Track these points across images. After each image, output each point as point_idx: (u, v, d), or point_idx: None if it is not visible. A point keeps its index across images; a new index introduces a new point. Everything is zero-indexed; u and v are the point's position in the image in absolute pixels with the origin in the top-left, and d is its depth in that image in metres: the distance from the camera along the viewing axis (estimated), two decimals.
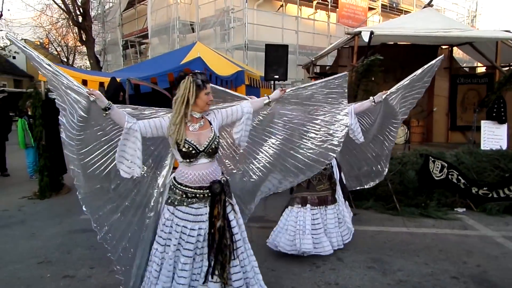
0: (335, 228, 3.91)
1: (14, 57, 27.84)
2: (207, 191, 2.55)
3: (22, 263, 3.83)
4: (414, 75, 3.74)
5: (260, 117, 3.13)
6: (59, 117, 2.48)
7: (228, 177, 2.79)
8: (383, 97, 3.87)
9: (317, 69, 10.80)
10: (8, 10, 46.01)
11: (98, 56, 19.47)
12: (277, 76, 8.13)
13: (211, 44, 13.48)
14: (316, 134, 3.21)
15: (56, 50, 27.95)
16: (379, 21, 18.69)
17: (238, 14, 14.52)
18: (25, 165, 7.99)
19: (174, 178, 2.62)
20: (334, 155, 3.35)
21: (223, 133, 3.09)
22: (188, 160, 2.51)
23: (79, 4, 16.98)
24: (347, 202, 4.30)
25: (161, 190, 2.86)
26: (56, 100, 2.50)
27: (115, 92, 5.06)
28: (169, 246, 2.56)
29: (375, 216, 5.36)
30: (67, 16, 18.01)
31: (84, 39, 18.06)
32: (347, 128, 3.27)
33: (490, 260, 3.87)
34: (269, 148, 3.19)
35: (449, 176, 5.61)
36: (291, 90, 3.10)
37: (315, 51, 14.89)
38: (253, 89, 8.78)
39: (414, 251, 4.10)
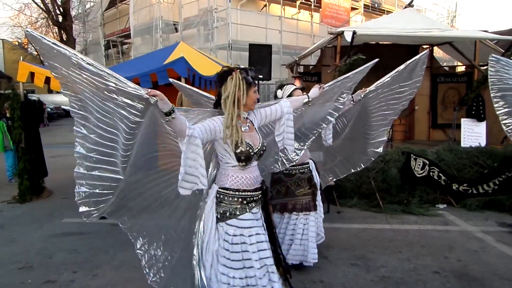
0: (313, 238, 3.59)
1: None
2: (261, 192, 2.44)
3: (2, 269, 3.74)
4: (396, 72, 3.70)
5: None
6: (75, 127, 2.09)
7: None
8: (362, 95, 3.69)
9: (301, 69, 10.86)
10: None
11: None
12: (261, 76, 8.13)
13: (195, 44, 13.42)
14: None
15: (36, 50, 27.29)
16: (362, 21, 18.92)
17: (221, 14, 14.50)
18: (4, 168, 7.80)
19: (225, 188, 2.35)
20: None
21: None
22: (244, 163, 2.32)
23: (59, 3, 16.68)
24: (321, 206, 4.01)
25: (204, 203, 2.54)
26: (71, 108, 2.10)
27: None
28: (252, 267, 2.29)
29: (359, 213, 5.42)
30: (47, 16, 17.70)
31: (64, 39, 17.76)
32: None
33: (470, 255, 3.97)
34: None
35: (431, 173, 5.72)
36: (327, 87, 3.03)
37: (298, 50, 14.98)
38: None
39: (397, 248, 4.16)
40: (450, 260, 3.85)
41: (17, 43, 26.81)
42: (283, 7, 16.56)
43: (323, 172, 4.33)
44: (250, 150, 2.30)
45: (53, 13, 16.93)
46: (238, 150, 2.26)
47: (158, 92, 1.99)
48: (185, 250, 2.52)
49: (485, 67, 9.25)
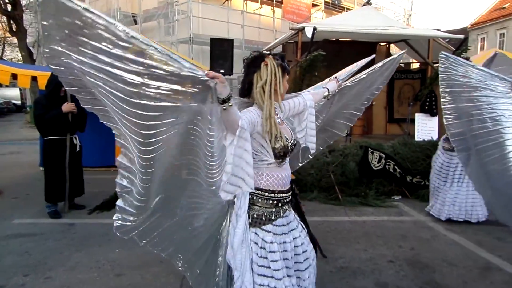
0: None
1: None
2: (291, 192, 2.25)
3: None
4: (373, 69, 3.58)
5: None
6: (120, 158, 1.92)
7: None
8: (337, 90, 3.27)
9: None
10: None
11: (31, 48, 18.14)
12: (223, 71, 8.07)
13: (155, 37, 13.11)
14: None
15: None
16: (323, 17, 19.23)
17: (182, 7, 14.23)
18: None
19: (258, 189, 2.09)
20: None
21: None
22: (280, 160, 2.10)
23: None
24: None
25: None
26: (104, 117, 1.89)
27: (55, 87, 4.70)
28: (290, 276, 2.10)
29: (319, 206, 5.54)
30: None
31: (14, 30, 16.75)
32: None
33: (422, 243, 4.17)
34: None
35: (387, 166, 5.93)
36: (342, 81, 2.95)
37: (260, 45, 15.00)
38: None
39: (355, 238, 4.30)
40: (404, 249, 4.02)
41: None
42: (245, 1, 16.53)
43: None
44: (290, 144, 2.12)
45: (1, 2, 15.90)
46: (277, 145, 2.04)
47: (217, 74, 1.72)
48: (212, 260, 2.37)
49: (437, 64, 9.70)
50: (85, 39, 1.59)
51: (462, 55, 7.41)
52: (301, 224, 2.28)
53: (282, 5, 17.12)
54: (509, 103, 2.64)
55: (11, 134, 14.73)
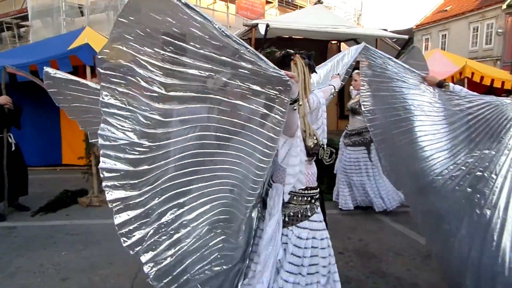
0: None
1: None
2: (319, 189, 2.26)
3: None
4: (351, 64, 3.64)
5: None
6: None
7: None
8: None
9: None
10: None
11: None
12: None
13: (104, 30, 12.51)
14: None
15: None
16: (276, 14, 19.41)
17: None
18: None
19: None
20: None
21: None
22: (311, 157, 2.13)
23: None
24: None
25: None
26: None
27: None
28: (317, 273, 2.12)
29: None
30: None
31: None
32: None
33: (370, 234, 4.35)
34: None
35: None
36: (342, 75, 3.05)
37: None
38: None
39: None
40: (352, 240, 4.18)
41: None
42: None
43: None
44: (320, 143, 2.16)
45: None
46: (310, 143, 2.08)
47: (293, 74, 1.75)
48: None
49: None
50: (170, 39, 1.51)
51: None
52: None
53: (236, 1, 17.08)
54: (418, 94, 2.87)
55: None
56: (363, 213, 5.11)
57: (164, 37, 1.51)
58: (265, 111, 1.73)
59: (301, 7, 20.25)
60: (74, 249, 3.78)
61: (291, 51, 2.12)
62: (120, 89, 1.53)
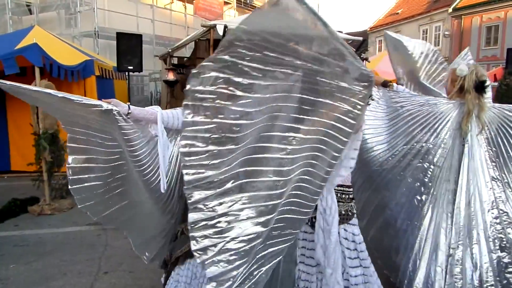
0: None
1: None
2: None
3: None
4: None
5: None
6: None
7: None
8: None
9: (175, 61, 10.64)
10: None
11: None
12: (131, 67, 7.70)
13: (55, 30, 11.99)
14: None
15: None
16: (235, 15, 19.46)
17: None
18: None
19: (339, 185, 2.14)
20: None
21: None
22: None
23: None
24: None
25: None
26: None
27: None
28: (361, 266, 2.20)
29: None
30: None
31: None
32: None
33: None
34: None
35: None
36: None
37: (172, 42, 14.63)
38: (105, 80, 8.18)
39: None
40: None
41: None
42: None
43: None
44: None
45: None
46: None
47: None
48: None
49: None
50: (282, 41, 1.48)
51: (361, 56, 8.05)
52: None
53: (194, 1, 16.92)
54: None
55: None
56: None
57: (279, 58, 1.50)
58: (348, 107, 1.67)
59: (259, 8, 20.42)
60: (23, 261, 3.57)
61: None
62: (206, 104, 1.44)
